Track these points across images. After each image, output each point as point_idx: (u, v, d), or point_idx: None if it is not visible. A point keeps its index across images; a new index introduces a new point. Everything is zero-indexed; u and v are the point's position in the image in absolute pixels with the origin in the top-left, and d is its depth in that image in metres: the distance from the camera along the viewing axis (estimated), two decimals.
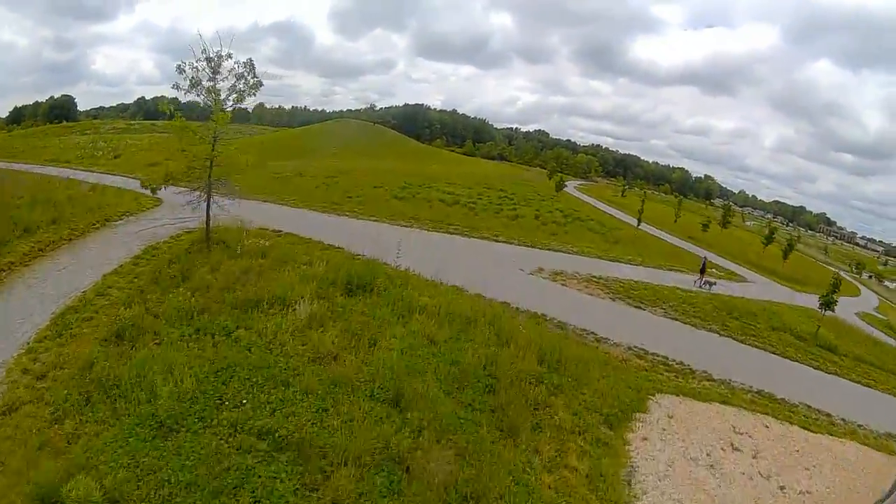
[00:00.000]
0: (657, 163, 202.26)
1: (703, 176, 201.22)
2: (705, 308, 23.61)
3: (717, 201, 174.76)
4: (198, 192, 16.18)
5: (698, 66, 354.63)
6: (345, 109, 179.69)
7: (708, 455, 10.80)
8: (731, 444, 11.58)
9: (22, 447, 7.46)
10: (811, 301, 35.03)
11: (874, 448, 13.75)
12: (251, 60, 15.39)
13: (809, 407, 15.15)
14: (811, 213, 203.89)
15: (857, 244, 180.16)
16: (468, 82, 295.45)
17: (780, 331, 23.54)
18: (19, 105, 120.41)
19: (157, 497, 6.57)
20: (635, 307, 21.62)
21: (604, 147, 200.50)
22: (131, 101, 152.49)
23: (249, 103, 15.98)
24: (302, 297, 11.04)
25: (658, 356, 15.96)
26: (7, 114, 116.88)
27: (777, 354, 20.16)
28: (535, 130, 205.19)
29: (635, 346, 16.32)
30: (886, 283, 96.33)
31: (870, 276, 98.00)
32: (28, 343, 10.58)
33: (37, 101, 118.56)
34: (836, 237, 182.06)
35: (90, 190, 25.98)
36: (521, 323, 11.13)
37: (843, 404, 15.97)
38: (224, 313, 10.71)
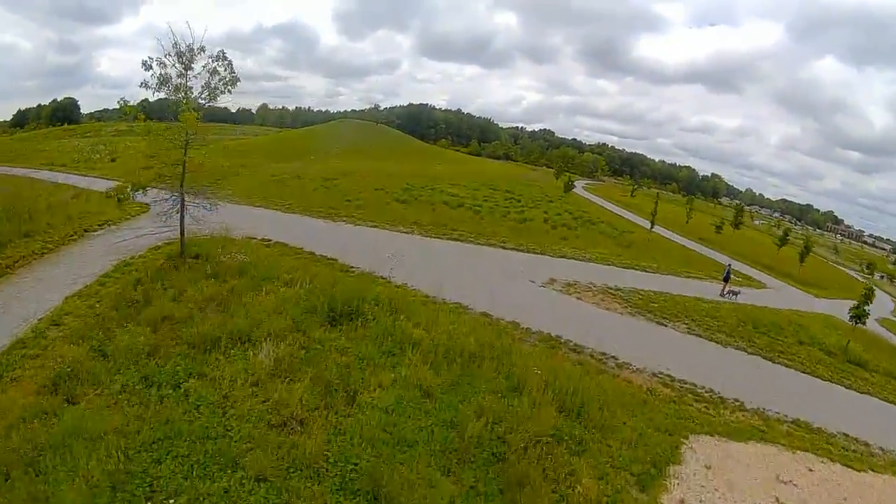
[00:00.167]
0: (664, 161, 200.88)
1: (709, 174, 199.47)
2: (730, 322, 21.92)
3: (725, 200, 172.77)
4: (170, 202, 14.61)
5: (703, 64, 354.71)
6: (349, 110, 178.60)
7: None
8: (777, 500, 9.88)
9: None
10: (832, 307, 33.33)
11: None
12: (223, 53, 13.79)
13: (847, 436, 13.76)
14: (818, 211, 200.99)
15: (865, 242, 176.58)
16: (473, 82, 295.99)
17: (808, 345, 22.00)
18: (23, 108, 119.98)
19: None
20: (657, 323, 19.94)
21: (609, 146, 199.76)
22: (135, 104, 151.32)
23: (226, 101, 14.40)
24: (270, 335, 9.32)
25: (686, 383, 14.42)
26: (10, 117, 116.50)
27: (808, 373, 18.67)
28: (541, 130, 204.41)
29: (660, 372, 14.76)
30: None
31: (881, 277, 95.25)
32: None
33: (40, 104, 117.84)
34: (844, 235, 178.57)
35: (73, 197, 24.50)
36: (535, 366, 9.35)
37: (880, 430, 14.67)
38: (178, 355, 9.03)
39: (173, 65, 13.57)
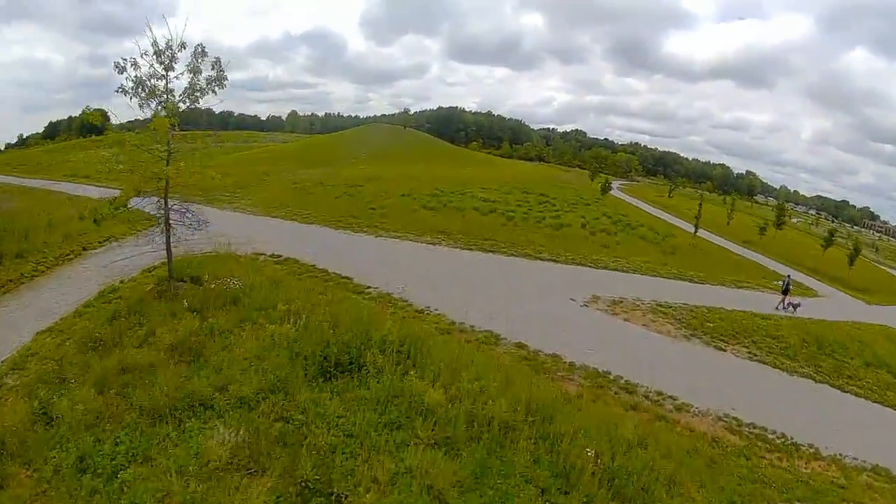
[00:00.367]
0: (697, 159, 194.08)
1: (744, 172, 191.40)
2: (792, 342, 18.93)
3: (760, 198, 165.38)
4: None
5: (732, 59, 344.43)
6: (378, 115, 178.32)
7: None
8: None
9: None
10: (885, 316, 29.43)
11: None
12: (202, 47, 11.71)
13: None
14: (854, 207, 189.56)
15: None
16: (503, 84, 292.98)
17: (875, 367, 18.95)
18: (54, 120, 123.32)
19: None
20: (714, 347, 17.12)
21: (642, 145, 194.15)
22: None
23: (212, 102, 12.40)
24: (239, 401, 7.13)
25: (754, 428, 12.03)
26: (42, 129, 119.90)
27: (878, 402, 15.99)
28: (573, 130, 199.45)
29: (726, 414, 12.31)
30: None
31: None
32: None
33: (70, 116, 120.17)
34: (882, 232, 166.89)
35: (79, 218, 23.14)
36: (588, 449, 6.80)
37: None
38: (125, 427, 6.94)
39: (151, 65, 11.62)
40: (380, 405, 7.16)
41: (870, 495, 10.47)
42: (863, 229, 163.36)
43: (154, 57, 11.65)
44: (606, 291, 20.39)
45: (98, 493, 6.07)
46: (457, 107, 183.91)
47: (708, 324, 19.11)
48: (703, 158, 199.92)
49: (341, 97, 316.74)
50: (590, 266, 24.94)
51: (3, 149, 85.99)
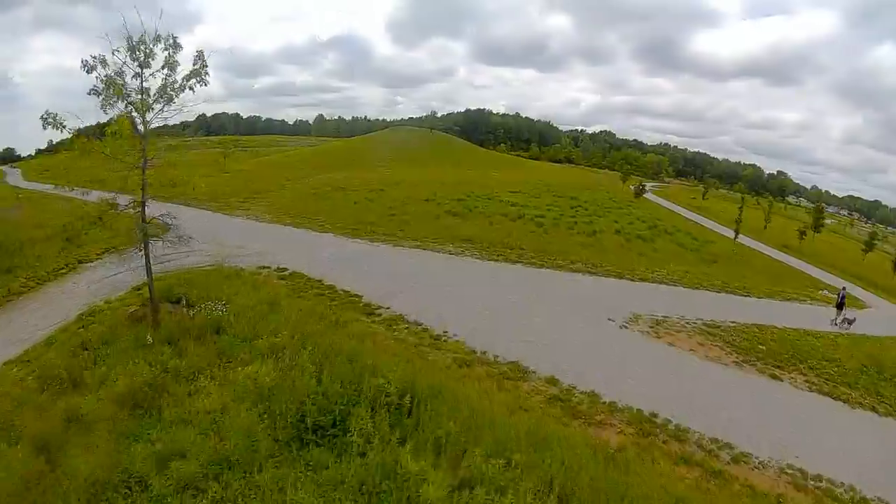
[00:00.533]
0: (727, 160, 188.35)
1: (775, 172, 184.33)
2: (851, 366, 16.49)
3: (791, 198, 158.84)
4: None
5: (760, 57, 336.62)
6: (406, 118, 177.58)
7: None
8: None
9: None
10: None
11: None
12: (174, 38, 10.08)
13: None
14: (887, 207, 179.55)
15: None
16: (530, 86, 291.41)
17: None
18: (82, 126, 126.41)
19: None
20: (769, 376, 14.77)
21: (672, 146, 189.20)
22: (192, 119, 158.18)
23: (190, 101, 10.76)
24: (180, 483, 5.39)
25: (821, 481, 9.93)
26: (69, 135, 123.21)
27: None
28: (601, 131, 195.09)
29: (789, 465, 10.17)
30: None
31: None
32: None
33: (98, 122, 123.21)
34: None
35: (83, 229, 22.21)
36: None
37: None
38: None
39: (124, 62, 10.10)
40: (363, 495, 5.30)
41: None
42: None
43: (128, 53, 10.14)
44: (647, 308, 18.14)
45: None
46: (484, 109, 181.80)
47: (761, 347, 16.76)
48: (732, 159, 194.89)
49: (369, 101, 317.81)
50: (627, 278, 22.61)
51: (33, 154, 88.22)
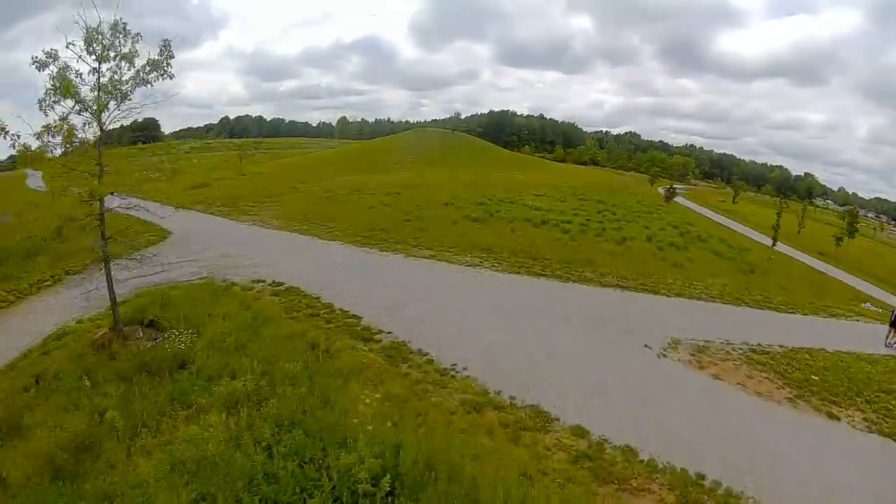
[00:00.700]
0: (754, 161, 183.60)
1: (802, 174, 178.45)
2: None
3: (818, 201, 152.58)
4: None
5: (784, 56, 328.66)
6: (430, 120, 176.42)
7: None
8: None
9: None
10: None
11: None
12: (124, 25, 8.57)
13: None
14: None
15: None
16: (553, 88, 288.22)
17: None
18: (108, 129, 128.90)
19: None
20: (826, 414, 12.52)
21: (697, 147, 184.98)
22: (217, 121, 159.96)
23: (152, 95, 9.27)
24: None
25: None
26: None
27: None
28: (626, 133, 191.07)
29: None
30: None
31: None
32: None
33: (122, 125, 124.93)
34: None
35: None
36: None
37: None
38: None
39: (79, 57, 8.65)
40: None
41: None
42: None
43: (84, 46, 8.69)
44: (687, 330, 16.03)
45: None
46: (508, 111, 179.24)
47: (814, 377, 14.48)
48: (759, 160, 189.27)
49: (394, 104, 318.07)
50: (663, 293, 20.45)
51: None
